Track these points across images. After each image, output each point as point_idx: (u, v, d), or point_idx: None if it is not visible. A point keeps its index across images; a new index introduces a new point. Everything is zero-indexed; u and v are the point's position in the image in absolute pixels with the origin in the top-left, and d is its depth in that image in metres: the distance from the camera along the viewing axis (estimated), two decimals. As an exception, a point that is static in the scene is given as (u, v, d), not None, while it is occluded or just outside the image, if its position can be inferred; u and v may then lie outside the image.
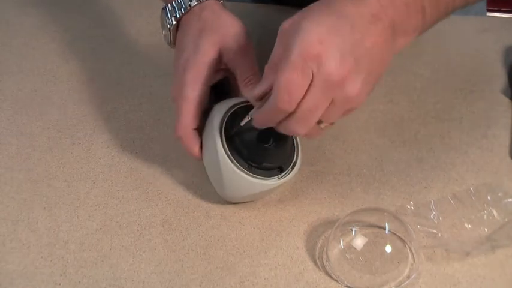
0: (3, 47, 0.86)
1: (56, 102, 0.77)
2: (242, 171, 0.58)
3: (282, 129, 0.54)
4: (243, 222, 0.63)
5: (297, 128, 0.52)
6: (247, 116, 0.56)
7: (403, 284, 0.56)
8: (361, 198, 0.64)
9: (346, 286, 0.56)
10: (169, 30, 0.64)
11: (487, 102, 0.74)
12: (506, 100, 0.75)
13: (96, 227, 0.62)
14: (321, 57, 0.48)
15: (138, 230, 0.62)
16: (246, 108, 0.58)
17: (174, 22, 0.63)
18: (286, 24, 0.51)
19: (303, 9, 0.51)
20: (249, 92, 0.58)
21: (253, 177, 0.58)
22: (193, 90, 0.60)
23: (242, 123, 0.57)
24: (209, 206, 0.64)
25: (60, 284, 0.58)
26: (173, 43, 0.65)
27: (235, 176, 0.58)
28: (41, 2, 0.93)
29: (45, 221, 0.63)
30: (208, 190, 0.65)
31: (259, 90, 0.54)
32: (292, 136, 0.61)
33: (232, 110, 0.60)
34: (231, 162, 0.58)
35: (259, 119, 0.54)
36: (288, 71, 0.49)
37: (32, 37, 0.87)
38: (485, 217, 0.60)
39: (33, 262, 0.59)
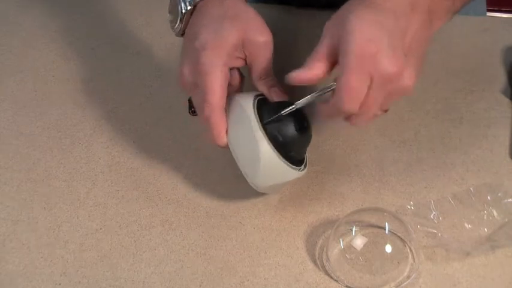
0: (3, 47, 0.86)
1: (56, 102, 0.77)
2: (280, 158, 0.57)
3: (339, 122, 0.55)
4: (243, 222, 0.63)
5: (357, 122, 0.54)
6: (294, 105, 0.56)
7: (403, 284, 0.56)
8: (361, 198, 0.64)
9: (346, 286, 0.56)
10: (183, 16, 0.62)
11: (487, 102, 0.74)
12: (506, 100, 0.74)
13: (96, 227, 0.62)
14: (375, 57, 0.50)
15: (138, 230, 0.62)
16: (268, 99, 0.59)
17: (189, 7, 0.61)
18: (330, 20, 0.53)
19: (344, 5, 0.53)
20: (264, 86, 0.60)
21: (288, 165, 0.58)
22: (217, 69, 0.58)
23: (284, 112, 0.56)
24: (209, 206, 0.64)
25: (60, 284, 0.58)
26: (183, 30, 0.63)
27: (274, 163, 0.57)
28: (41, 2, 0.93)
29: (45, 221, 0.63)
30: (208, 190, 0.65)
31: (304, 75, 0.54)
32: None
33: (257, 99, 0.59)
34: (271, 149, 0.56)
35: (323, 114, 0.55)
36: (349, 76, 0.50)
37: (32, 37, 0.87)
38: (485, 217, 0.60)
39: (33, 262, 0.59)
